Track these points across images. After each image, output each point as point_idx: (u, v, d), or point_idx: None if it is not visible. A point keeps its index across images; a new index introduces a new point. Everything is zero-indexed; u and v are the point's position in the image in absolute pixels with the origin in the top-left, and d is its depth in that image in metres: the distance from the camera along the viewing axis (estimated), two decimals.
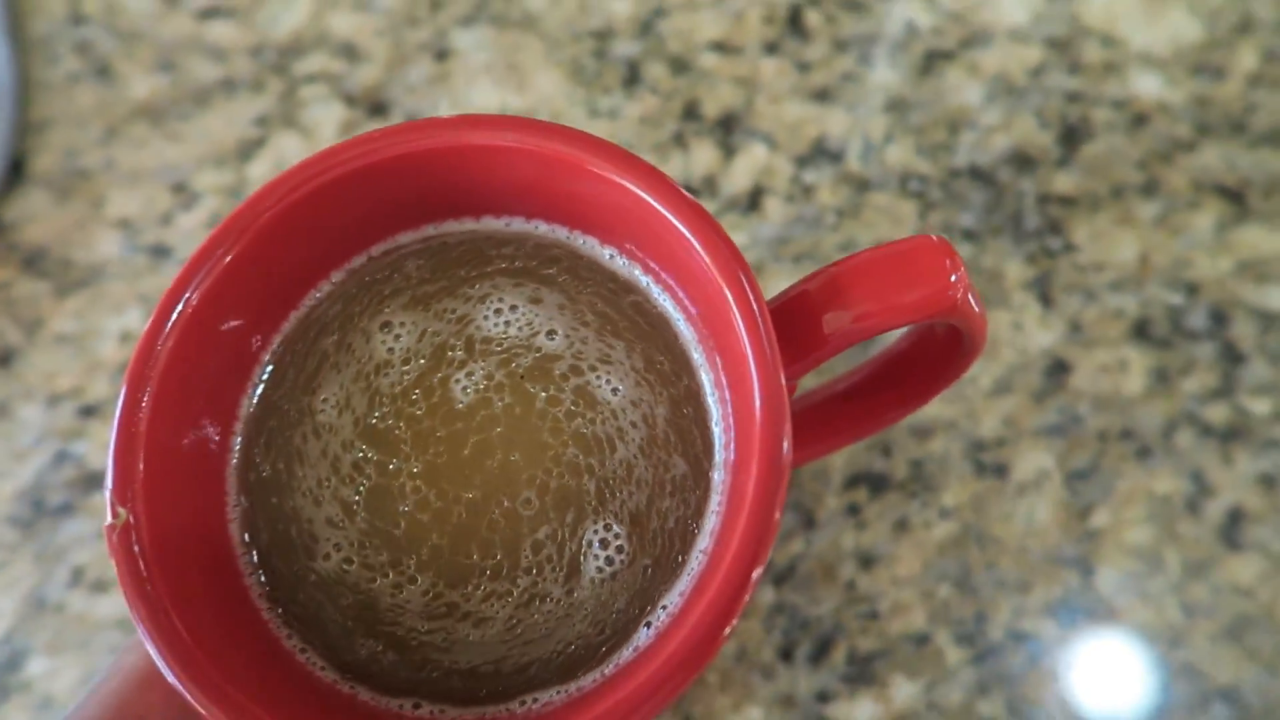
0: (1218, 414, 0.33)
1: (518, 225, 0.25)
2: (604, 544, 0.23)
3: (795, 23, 0.39)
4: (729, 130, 0.38)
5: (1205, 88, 0.37)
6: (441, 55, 0.41)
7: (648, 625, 0.22)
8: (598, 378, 0.24)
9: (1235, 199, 0.35)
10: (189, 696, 0.19)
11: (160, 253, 0.39)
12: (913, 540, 0.33)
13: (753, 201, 0.37)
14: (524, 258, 0.25)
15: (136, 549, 0.20)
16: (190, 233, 0.39)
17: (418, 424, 0.23)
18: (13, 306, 0.39)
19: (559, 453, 0.23)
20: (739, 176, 0.37)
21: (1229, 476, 0.32)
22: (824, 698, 0.31)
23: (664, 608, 0.22)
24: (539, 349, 0.24)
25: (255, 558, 0.23)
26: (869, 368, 0.29)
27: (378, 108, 0.40)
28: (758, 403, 0.20)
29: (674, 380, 0.23)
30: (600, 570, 0.22)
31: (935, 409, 0.34)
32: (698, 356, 0.24)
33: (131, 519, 0.21)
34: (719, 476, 0.23)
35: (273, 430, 0.24)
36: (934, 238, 0.21)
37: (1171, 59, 0.37)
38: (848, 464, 0.34)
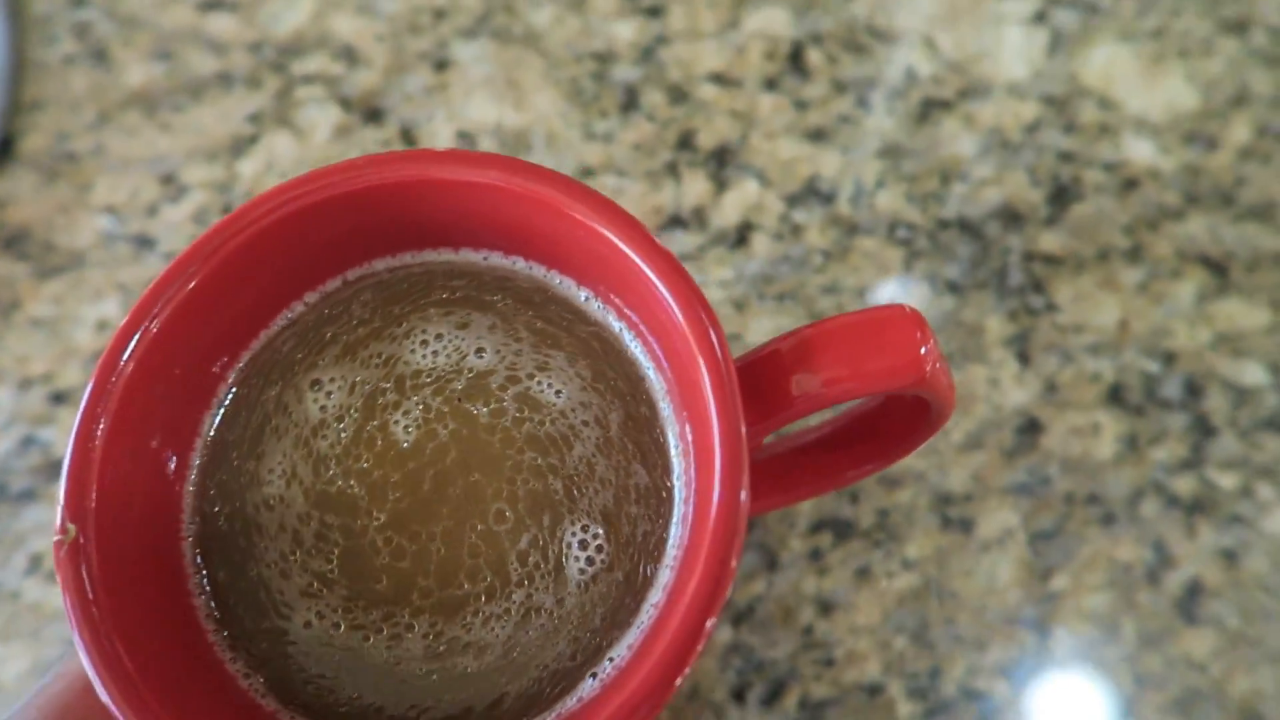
0: (1185, 485, 0.33)
1: (496, 260, 0.25)
2: (583, 544, 0.23)
3: (796, 60, 0.40)
4: (722, 163, 0.38)
5: (1197, 157, 0.37)
6: (441, 65, 0.41)
7: (593, 676, 0.22)
8: (538, 384, 0.24)
9: (1218, 271, 0.35)
10: None
11: (144, 243, 0.39)
12: (873, 589, 0.33)
13: (741, 237, 0.37)
14: (475, 288, 0.25)
15: (84, 570, 0.20)
16: (175, 225, 0.39)
17: (369, 476, 0.23)
18: None
19: (517, 460, 0.23)
20: (729, 210, 0.37)
21: (1191, 549, 0.32)
22: None
23: (610, 659, 0.22)
24: (470, 369, 0.24)
25: (206, 581, 0.23)
26: (834, 425, 0.29)
27: (373, 114, 0.40)
28: (718, 460, 0.20)
29: (646, 448, 0.23)
30: (583, 572, 0.23)
31: (905, 460, 0.34)
32: (666, 409, 0.24)
33: (82, 539, 0.20)
34: (674, 532, 0.23)
35: (225, 485, 0.24)
36: (907, 308, 0.22)
37: (1166, 126, 0.37)
38: (814, 508, 0.34)
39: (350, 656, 0.22)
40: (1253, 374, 0.34)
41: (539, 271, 0.25)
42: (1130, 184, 0.37)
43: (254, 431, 0.24)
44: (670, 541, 0.23)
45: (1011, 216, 0.37)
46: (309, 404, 0.24)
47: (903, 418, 0.26)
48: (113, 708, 0.19)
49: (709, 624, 0.19)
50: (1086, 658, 0.32)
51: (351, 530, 0.23)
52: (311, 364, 0.24)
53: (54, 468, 0.36)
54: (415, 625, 0.22)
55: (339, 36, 0.41)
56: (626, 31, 0.41)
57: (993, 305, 0.35)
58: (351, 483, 0.23)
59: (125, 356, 0.22)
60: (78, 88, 0.42)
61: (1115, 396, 0.34)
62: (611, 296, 0.24)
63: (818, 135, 0.38)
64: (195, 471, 0.24)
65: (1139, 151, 0.37)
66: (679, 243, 0.37)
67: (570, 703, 0.22)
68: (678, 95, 0.39)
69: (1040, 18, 0.39)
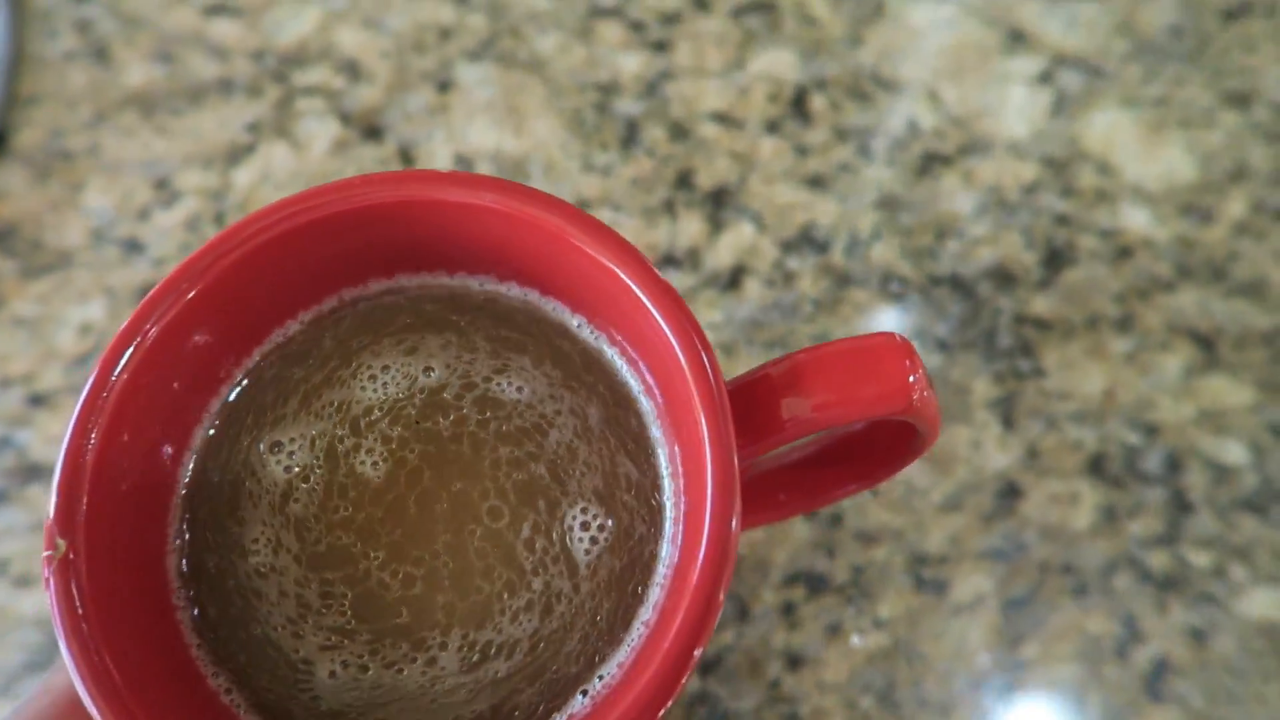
0: (1159, 561, 0.33)
1: (490, 285, 0.25)
2: (585, 525, 0.23)
3: (799, 105, 0.39)
4: (719, 204, 0.38)
5: (1192, 229, 0.37)
6: (444, 86, 0.40)
7: (584, 694, 0.22)
8: (496, 384, 0.24)
9: (1206, 346, 0.35)
10: None
11: (133, 247, 0.39)
12: (843, 647, 0.33)
13: (733, 280, 0.37)
14: (451, 311, 0.25)
15: (73, 585, 0.20)
16: (166, 231, 0.39)
17: (353, 523, 0.23)
18: None
19: (493, 457, 0.23)
20: (723, 252, 0.37)
21: (1160, 625, 0.32)
22: None
23: (601, 678, 0.22)
24: (422, 389, 0.24)
25: (191, 594, 0.23)
26: (820, 444, 0.29)
27: (372, 130, 0.40)
28: (710, 488, 0.20)
29: (634, 454, 0.24)
30: (588, 552, 0.23)
31: (884, 516, 0.34)
32: (656, 432, 0.24)
33: (72, 555, 0.20)
34: (665, 550, 0.23)
35: (214, 544, 0.23)
36: (897, 337, 0.22)
37: (1163, 196, 0.37)
38: (789, 560, 0.34)
39: (381, 692, 0.22)
40: (1234, 453, 0.34)
41: (533, 296, 0.25)
42: (1124, 252, 0.37)
43: (231, 490, 0.24)
44: (661, 559, 0.23)
45: (1004, 277, 0.37)
46: (274, 468, 0.23)
47: (888, 441, 0.26)
48: (98, 717, 0.19)
49: (697, 653, 0.20)
50: None
51: (355, 578, 0.23)
52: (278, 418, 0.24)
53: (28, 472, 0.36)
54: (448, 643, 0.22)
55: (343, 50, 0.41)
56: (632, 64, 0.40)
57: (980, 366, 0.35)
58: (339, 535, 0.23)
59: (119, 368, 0.21)
60: (76, 85, 0.41)
61: (1096, 467, 0.34)
62: (604, 322, 0.24)
63: (816, 182, 0.38)
64: (188, 476, 0.24)
65: (1135, 220, 0.37)
66: (672, 282, 0.37)
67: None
68: (679, 132, 0.39)
69: (1045, 78, 0.39)
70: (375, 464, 0.23)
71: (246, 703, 0.22)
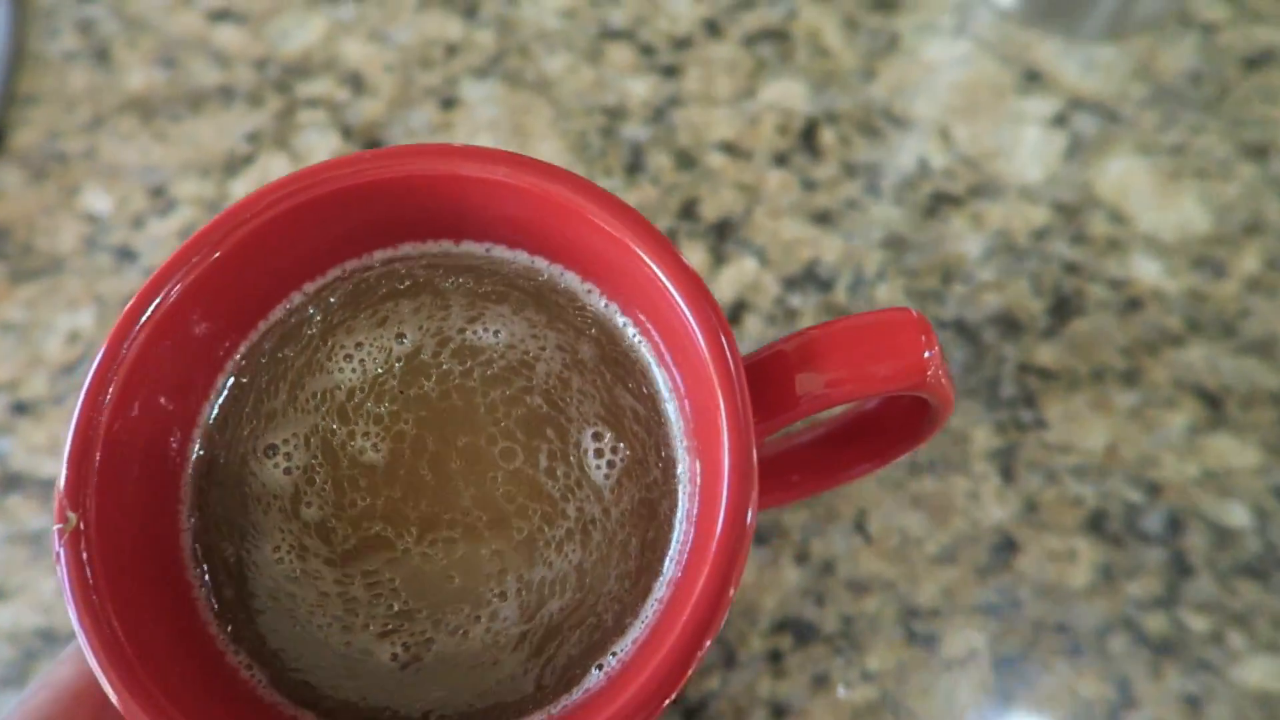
0: (1155, 624, 0.32)
1: (497, 252, 0.25)
2: (599, 452, 0.23)
3: (809, 138, 0.39)
4: (723, 237, 0.37)
5: (1203, 283, 0.36)
6: (448, 104, 0.40)
7: (599, 668, 0.22)
8: (472, 332, 0.24)
9: (1213, 404, 0.35)
10: (127, 713, 0.19)
11: (125, 255, 0.38)
12: (830, 698, 0.32)
13: (733, 316, 0.36)
14: (437, 275, 0.25)
15: (85, 556, 0.20)
16: (160, 240, 0.38)
17: (375, 510, 0.23)
18: None
19: (487, 401, 0.23)
20: (725, 287, 0.37)
21: (1154, 691, 0.32)
22: None
23: (614, 654, 0.22)
24: (398, 358, 0.24)
25: (206, 575, 0.23)
26: (833, 424, 0.29)
27: (373, 145, 0.39)
28: (726, 465, 0.20)
29: (645, 434, 0.23)
30: (608, 476, 0.23)
31: (877, 566, 0.33)
32: (670, 408, 0.23)
33: (82, 525, 0.20)
34: (680, 529, 0.23)
35: (233, 554, 0.23)
36: (913, 312, 0.22)
37: (1175, 247, 0.37)
38: (778, 606, 0.33)
39: (444, 663, 0.22)
40: (1237, 515, 0.33)
41: (540, 263, 0.24)
42: (1133, 304, 0.36)
43: (237, 502, 0.23)
44: (675, 536, 0.23)
45: (1010, 324, 0.36)
46: (274, 473, 0.23)
47: (902, 418, 0.26)
48: (113, 693, 0.19)
49: (706, 644, 0.19)
50: None
51: (397, 561, 0.23)
52: (270, 415, 0.23)
53: (9, 481, 0.35)
54: (505, 590, 0.22)
55: (347, 62, 0.41)
56: (640, 89, 0.40)
57: (981, 415, 0.35)
58: (366, 526, 0.23)
59: (131, 338, 0.21)
60: (76, 86, 0.41)
61: (1095, 524, 0.33)
62: (619, 295, 0.24)
63: (823, 218, 0.38)
64: (197, 452, 0.24)
65: (1145, 271, 0.36)
66: None
67: (576, 695, 0.22)
68: (685, 160, 0.39)
69: (1060, 120, 0.38)
70: (375, 446, 0.23)
71: (268, 679, 0.22)
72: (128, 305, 0.21)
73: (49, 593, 0.34)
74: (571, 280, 0.24)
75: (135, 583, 0.21)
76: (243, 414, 0.24)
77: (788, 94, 0.39)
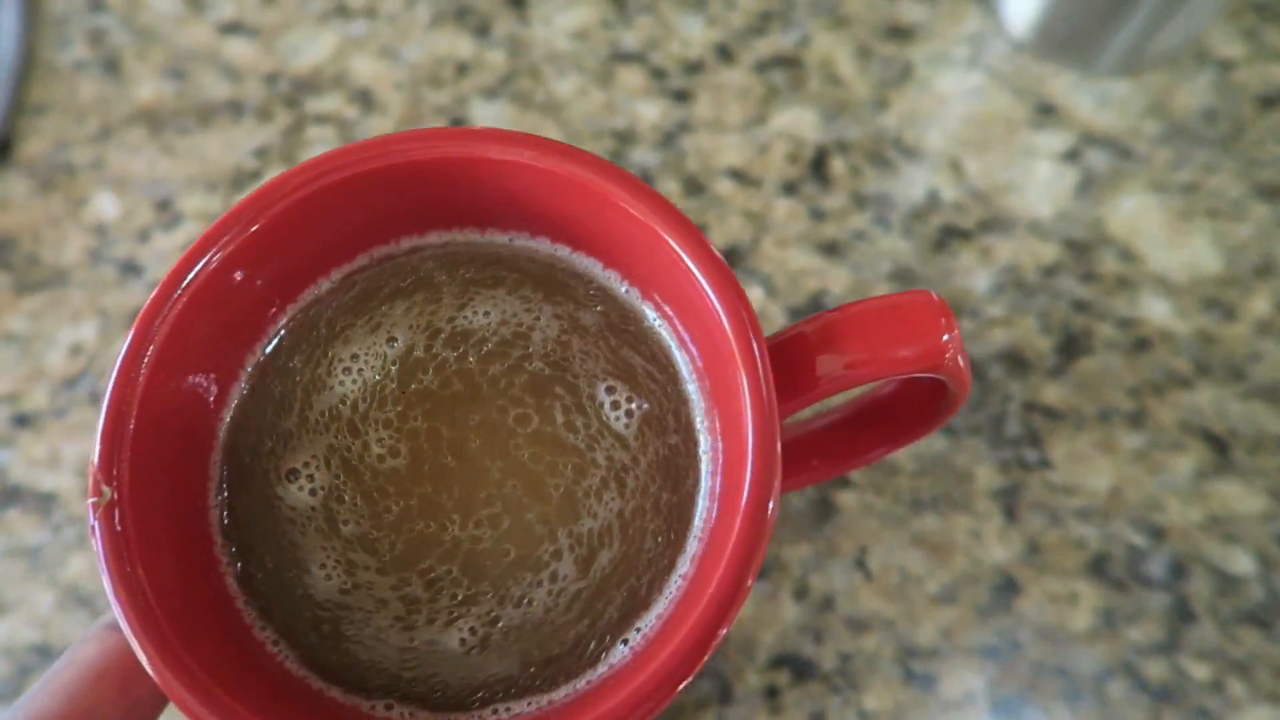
0: (1156, 670, 0.32)
1: (520, 241, 0.25)
2: (615, 405, 0.23)
3: (819, 167, 0.38)
4: (730, 265, 0.37)
5: (1213, 325, 0.36)
6: (457, 123, 0.40)
7: (624, 643, 0.22)
8: (463, 318, 0.24)
9: (1220, 448, 0.34)
10: (162, 683, 0.19)
11: (130, 269, 0.38)
12: None
13: None
14: (442, 269, 0.25)
15: (119, 527, 0.20)
16: (165, 255, 0.38)
17: (412, 511, 0.23)
18: None
19: (486, 376, 0.23)
20: None
21: None
22: None
23: (638, 630, 0.22)
24: (393, 361, 0.24)
25: (234, 551, 0.23)
26: (851, 407, 0.29)
27: None
28: (750, 444, 0.20)
29: (661, 395, 0.24)
30: (628, 426, 0.23)
31: (876, 604, 0.33)
32: (691, 388, 0.24)
33: (115, 495, 0.20)
34: (703, 504, 0.23)
35: (273, 584, 0.23)
36: (933, 295, 0.22)
37: (1185, 287, 0.36)
38: (777, 642, 0.33)
39: (510, 635, 0.22)
40: (1241, 562, 0.33)
41: (563, 251, 0.25)
42: (1142, 344, 0.36)
43: (269, 525, 0.23)
44: (699, 511, 0.23)
45: (1017, 362, 0.36)
46: (300, 495, 0.23)
47: (919, 402, 0.26)
48: (147, 663, 0.19)
49: (723, 632, 0.20)
50: None
51: (449, 552, 0.23)
52: (285, 437, 0.23)
53: (8, 494, 0.35)
54: (560, 549, 0.23)
55: (357, 79, 0.40)
56: (650, 113, 0.40)
57: (985, 453, 0.34)
58: (408, 529, 0.23)
59: (160, 317, 0.21)
60: (85, 96, 0.41)
61: (1098, 567, 0.33)
62: (641, 279, 0.24)
63: (831, 249, 0.37)
64: (226, 427, 0.24)
65: (1155, 311, 0.36)
66: None
67: (601, 670, 0.22)
68: (694, 187, 0.38)
69: (1073, 156, 0.38)
70: (393, 451, 0.23)
71: (296, 657, 0.22)
72: (166, 274, 0.22)
73: (46, 608, 0.34)
74: (592, 266, 0.25)
75: (166, 555, 0.21)
76: (264, 423, 0.24)
77: (798, 122, 0.39)
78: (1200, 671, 0.32)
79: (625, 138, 0.39)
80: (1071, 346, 0.36)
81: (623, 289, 0.24)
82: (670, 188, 0.38)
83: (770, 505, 0.20)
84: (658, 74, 0.40)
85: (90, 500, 0.20)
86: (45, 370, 0.37)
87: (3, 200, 0.39)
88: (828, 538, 0.34)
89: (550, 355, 0.24)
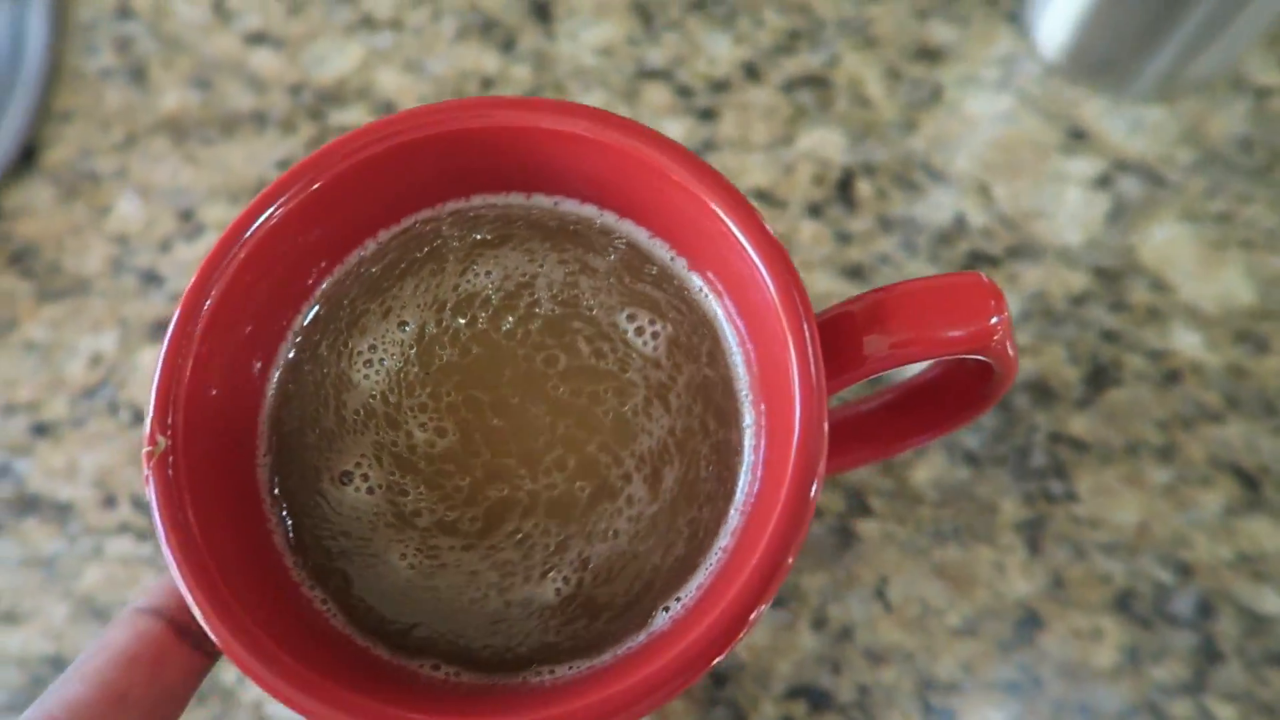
0: (1181, 711, 0.31)
1: (565, 207, 0.25)
2: (639, 330, 0.24)
3: (845, 189, 0.38)
4: None
5: (1245, 358, 0.35)
6: None
7: (666, 610, 0.22)
8: (466, 281, 0.24)
9: (1250, 485, 0.34)
10: (210, 626, 0.19)
11: (151, 279, 0.38)
12: None
13: None
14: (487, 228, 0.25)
15: (171, 475, 0.20)
16: (186, 266, 0.38)
17: (481, 483, 0.23)
18: None
19: (502, 333, 0.24)
20: None
21: None
22: None
23: (678, 599, 0.22)
24: (410, 344, 0.24)
25: (285, 512, 0.23)
26: (893, 392, 0.29)
27: None
28: (797, 419, 0.20)
29: (687, 324, 0.24)
30: (656, 349, 0.23)
31: (896, 635, 0.32)
32: (737, 359, 0.24)
33: (170, 445, 0.21)
34: (744, 480, 0.23)
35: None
36: (983, 276, 0.21)
37: (1218, 319, 0.36)
38: (793, 672, 0.32)
39: (598, 577, 0.23)
40: (1271, 602, 0.32)
41: (609, 218, 0.25)
42: (1172, 376, 0.35)
43: (321, 551, 0.23)
44: (741, 485, 0.23)
45: (1043, 392, 0.35)
46: (356, 496, 0.23)
47: (964, 383, 0.25)
48: (197, 610, 0.19)
49: (761, 609, 0.20)
50: None
51: (526, 507, 0.23)
52: (328, 436, 0.23)
53: (25, 504, 0.35)
54: (628, 472, 0.23)
55: (382, 91, 0.40)
56: (675, 130, 0.39)
57: (1009, 485, 0.34)
58: (481, 500, 0.23)
59: (219, 270, 0.21)
60: (110, 104, 0.41)
61: (1123, 603, 0.33)
62: (689, 250, 0.24)
63: (855, 273, 0.37)
64: (273, 390, 0.24)
65: (1186, 343, 0.35)
66: None
67: (642, 636, 0.22)
68: None
69: (1104, 182, 0.38)
70: (440, 431, 0.23)
71: (343, 617, 0.23)
72: (228, 227, 0.22)
73: (60, 619, 0.34)
74: (638, 234, 0.25)
75: (216, 508, 0.21)
76: (305, 413, 0.24)
77: (825, 143, 0.39)
78: (1226, 713, 0.31)
79: None
80: (1100, 377, 0.35)
81: (669, 257, 0.24)
82: None
83: (815, 483, 0.20)
84: (683, 92, 0.40)
85: (145, 449, 0.20)
86: (65, 379, 0.37)
87: (26, 207, 0.39)
88: (847, 567, 0.33)
89: (557, 296, 0.24)
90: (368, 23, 0.41)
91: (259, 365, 0.24)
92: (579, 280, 0.24)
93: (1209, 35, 0.35)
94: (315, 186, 0.22)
